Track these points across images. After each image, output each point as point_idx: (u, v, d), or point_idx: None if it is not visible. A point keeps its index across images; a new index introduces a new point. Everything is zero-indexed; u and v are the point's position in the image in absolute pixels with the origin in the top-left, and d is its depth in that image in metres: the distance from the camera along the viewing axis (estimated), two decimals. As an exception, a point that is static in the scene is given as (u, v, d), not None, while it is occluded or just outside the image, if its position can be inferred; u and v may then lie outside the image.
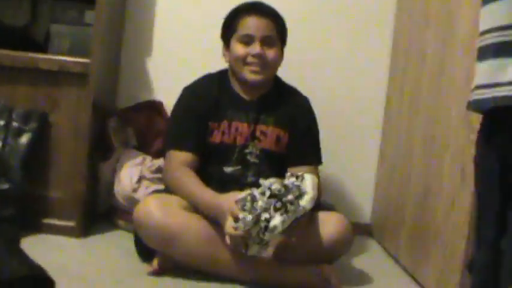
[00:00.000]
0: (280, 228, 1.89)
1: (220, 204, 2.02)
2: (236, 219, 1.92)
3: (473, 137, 1.91)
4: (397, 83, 2.83)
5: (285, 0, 2.77)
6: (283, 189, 1.91)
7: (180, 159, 2.22)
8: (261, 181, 1.97)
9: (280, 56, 2.35)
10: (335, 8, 2.97)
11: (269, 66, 2.29)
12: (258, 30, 2.27)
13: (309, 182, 1.96)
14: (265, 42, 2.28)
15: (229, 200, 1.98)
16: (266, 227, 1.89)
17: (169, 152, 2.27)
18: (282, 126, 2.33)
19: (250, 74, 2.27)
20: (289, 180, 1.96)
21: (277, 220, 1.88)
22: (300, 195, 1.92)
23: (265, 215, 1.89)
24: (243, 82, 2.31)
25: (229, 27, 2.33)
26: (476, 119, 1.93)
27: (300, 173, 2.00)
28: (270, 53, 2.28)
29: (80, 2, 2.57)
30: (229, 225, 1.95)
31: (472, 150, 1.92)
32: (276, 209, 1.89)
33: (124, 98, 2.94)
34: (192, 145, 2.25)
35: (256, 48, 2.25)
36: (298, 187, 1.93)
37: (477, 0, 1.96)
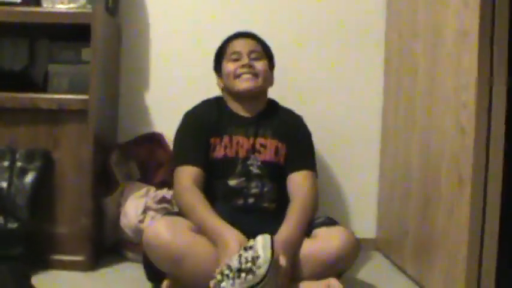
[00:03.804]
0: None
1: (225, 240, 2.03)
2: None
3: (468, 142, 1.96)
4: (392, 98, 2.87)
5: (276, 27, 2.93)
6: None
7: (187, 173, 2.28)
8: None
9: (269, 72, 2.50)
10: (327, 30, 3.04)
11: (259, 75, 2.43)
12: (245, 46, 2.46)
13: (259, 244, 1.94)
14: (253, 56, 2.45)
15: (233, 241, 2.01)
16: None
17: (176, 170, 2.32)
18: (279, 138, 2.43)
19: (242, 83, 2.41)
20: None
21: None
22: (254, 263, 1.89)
23: None
24: (238, 98, 2.44)
25: (220, 54, 2.52)
26: (468, 124, 1.97)
27: (251, 243, 1.97)
28: (259, 64, 2.44)
29: (76, 41, 2.60)
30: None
31: (466, 156, 1.97)
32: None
33: (125, 133, 2.97)
34: (197, 159, 2.32)
35: (244, 60, 2.42)
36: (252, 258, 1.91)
37: (461, 10, 2.05)
